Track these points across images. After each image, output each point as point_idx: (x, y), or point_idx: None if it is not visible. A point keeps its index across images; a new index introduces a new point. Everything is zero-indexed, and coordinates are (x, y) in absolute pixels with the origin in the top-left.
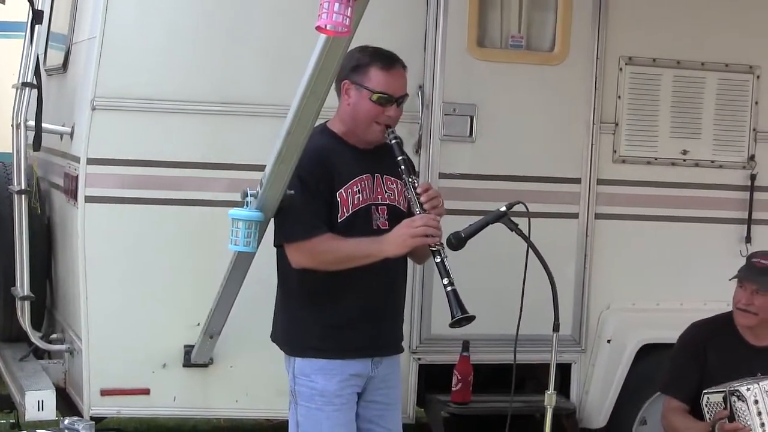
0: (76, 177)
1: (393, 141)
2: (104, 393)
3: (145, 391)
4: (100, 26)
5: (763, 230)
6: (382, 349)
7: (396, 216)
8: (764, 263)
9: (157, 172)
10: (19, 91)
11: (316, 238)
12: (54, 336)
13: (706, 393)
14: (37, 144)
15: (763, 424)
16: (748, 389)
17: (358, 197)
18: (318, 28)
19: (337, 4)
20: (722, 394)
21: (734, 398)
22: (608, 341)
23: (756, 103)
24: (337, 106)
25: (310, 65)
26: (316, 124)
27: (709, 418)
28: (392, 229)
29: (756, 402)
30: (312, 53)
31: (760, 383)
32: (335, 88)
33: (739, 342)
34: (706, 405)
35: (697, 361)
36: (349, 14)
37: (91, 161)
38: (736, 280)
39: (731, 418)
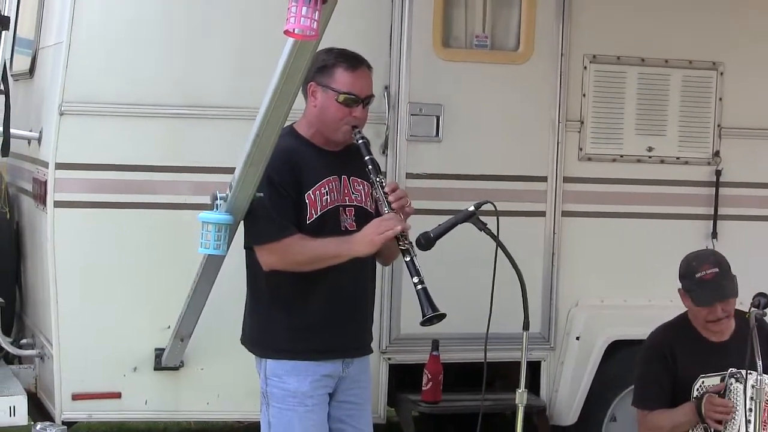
0: (45, 182)
1: (360, 141)
2: (75, 397)
3: (117, 395)
4: (66, 31)
5: (728, 226)
6: (352, 350)
7: (363, 217)
8: (711, 272)
9: (126, 176)
10: None
11: (286, 239)
12: (24, 341)
13: (702, 377)
14: (5, 149)
15: (751, 410)
16: (750, 373)
17: (326, 199)
18: (286, 32)
19: (304, 8)
20: (720, 376)
21: (732, 379)
22: (577, 338)
23: (720, 99)
24: (304, 108)
25: (279, 68)
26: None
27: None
28: (359, 230)
29: (753, 386)
30: (279, 57)
31: (761, 376)
32: (301, 90)
33: (700, 341)
34: (698, 389)
35: (667, 366)
36: (316, 18)
37: (59, 166)
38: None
39: (723, 395)
